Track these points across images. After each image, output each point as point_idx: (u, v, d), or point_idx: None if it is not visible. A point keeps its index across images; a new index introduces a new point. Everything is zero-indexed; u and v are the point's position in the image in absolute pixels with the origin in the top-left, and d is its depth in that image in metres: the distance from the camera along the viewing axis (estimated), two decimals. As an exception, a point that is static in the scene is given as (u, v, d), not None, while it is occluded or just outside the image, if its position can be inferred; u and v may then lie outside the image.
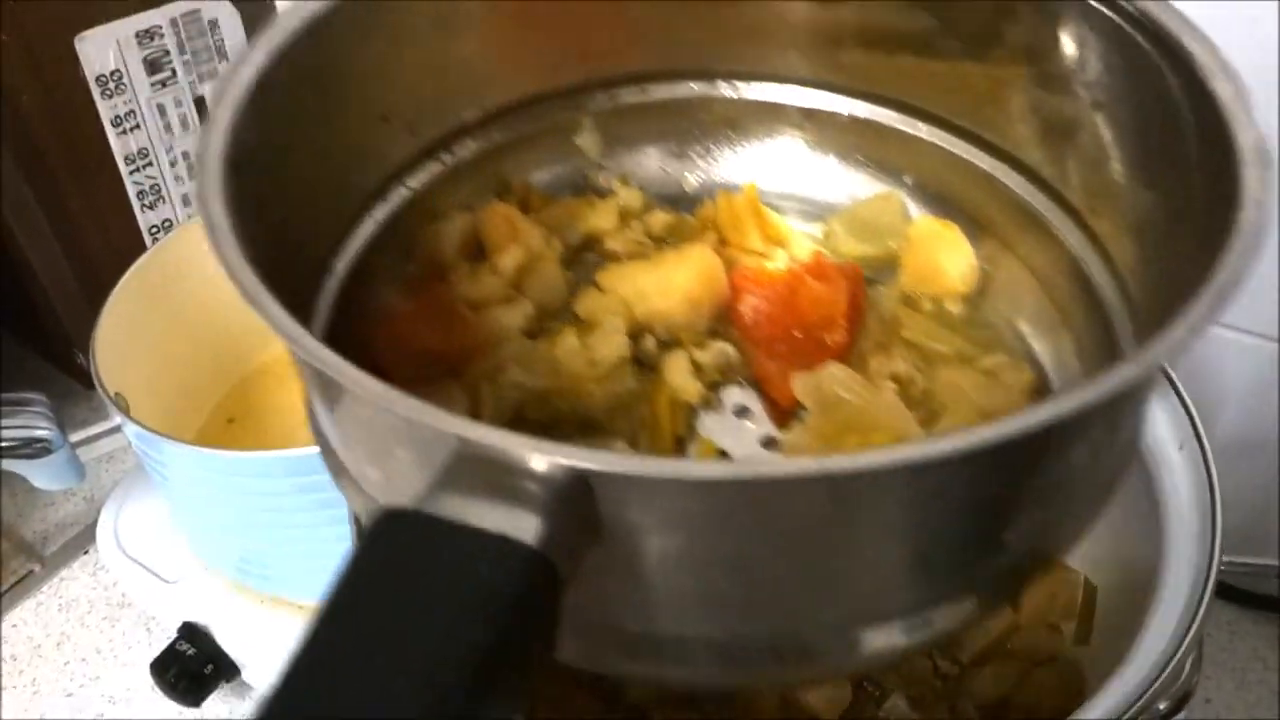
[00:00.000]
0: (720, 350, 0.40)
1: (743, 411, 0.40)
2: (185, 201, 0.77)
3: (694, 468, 0.22)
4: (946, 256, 0.41)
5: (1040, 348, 0.40)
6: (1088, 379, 0.35)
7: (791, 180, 0.46)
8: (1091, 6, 0.33)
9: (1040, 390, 0.38)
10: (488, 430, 0.22)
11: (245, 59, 0.33)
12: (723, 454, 0.38)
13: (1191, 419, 0.43)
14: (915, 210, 0.44)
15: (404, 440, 0.25)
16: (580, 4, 0.42)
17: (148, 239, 0.75)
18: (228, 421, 0.71)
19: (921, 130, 0.43)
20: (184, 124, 0.74)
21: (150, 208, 0.75)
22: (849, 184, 0.45)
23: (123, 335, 0.62)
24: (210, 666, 0.61)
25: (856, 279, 0.41)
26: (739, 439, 0.39)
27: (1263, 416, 0.48)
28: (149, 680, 0.62)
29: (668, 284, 0.40)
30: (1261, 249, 0.25)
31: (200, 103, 0.74)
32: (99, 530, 0.68)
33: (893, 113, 0.43)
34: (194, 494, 0.59)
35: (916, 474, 0.22)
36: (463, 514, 0.22)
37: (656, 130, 0.47)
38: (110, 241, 0.73)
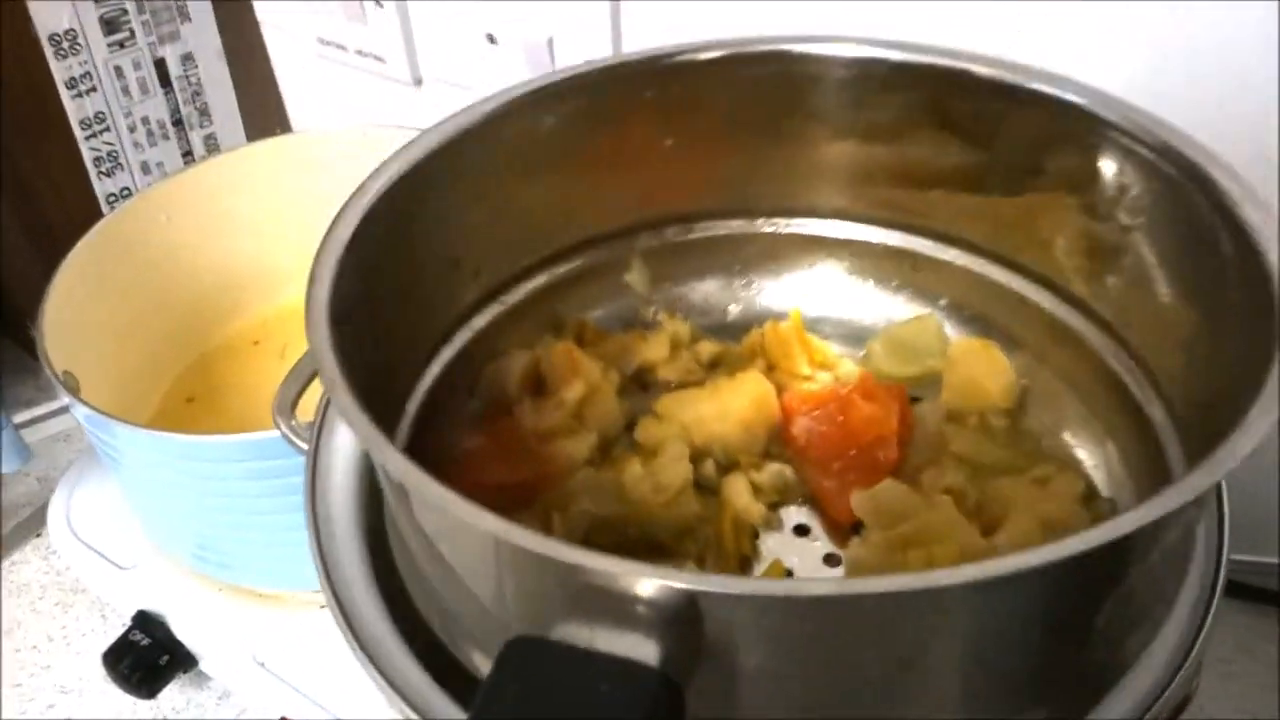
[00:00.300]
0: (777, 471, 0.42)
1: (802, 530, 0.41)
2: (145, 169, 0.73)
3: (802, 586, 0.24)
4: (987, 373, 0.43)
5: (1085, 456, 0.42)
6: (1145, 491, 0.38)
7: (831, 305, 0.49)
8: (1123, 142, 0.35)
9: (1090, 497, 0.39)
10: (608, 560, 0.23)
11: (342, 218, 0.36)
12: (789, 573, 0.39)
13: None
14: (951, 330, 0.47)
15: (527, 571, 0.27)
16: (637, 158, 0.45)
17: (105, 207, 0.72)
18: (187, 400, 0.67)
19: (954, 255, 0.46)
20: (143, 88, 0.71)
21: (108, 175, 0.71)
22: (886, 307, 0.48)
23: (74, 309, 0.59)
24: (166, 657, 0.58)
25: (903, 398, 0.43)
26: (802, 557, 0.40)
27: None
28: (103, 670, 0.59)
29: (724, 410, 0.43)
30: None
31: (161, 65, 0.71)
32: (50, 513, 0.65)
33: (927, 240, 0.46)
34: (148, 478, 0.56)
35: (1012, 584, 0.23)
36: (588, 639, 0.23)
37: (701, 265, 0.50)
38: (65, 210, 0.70)
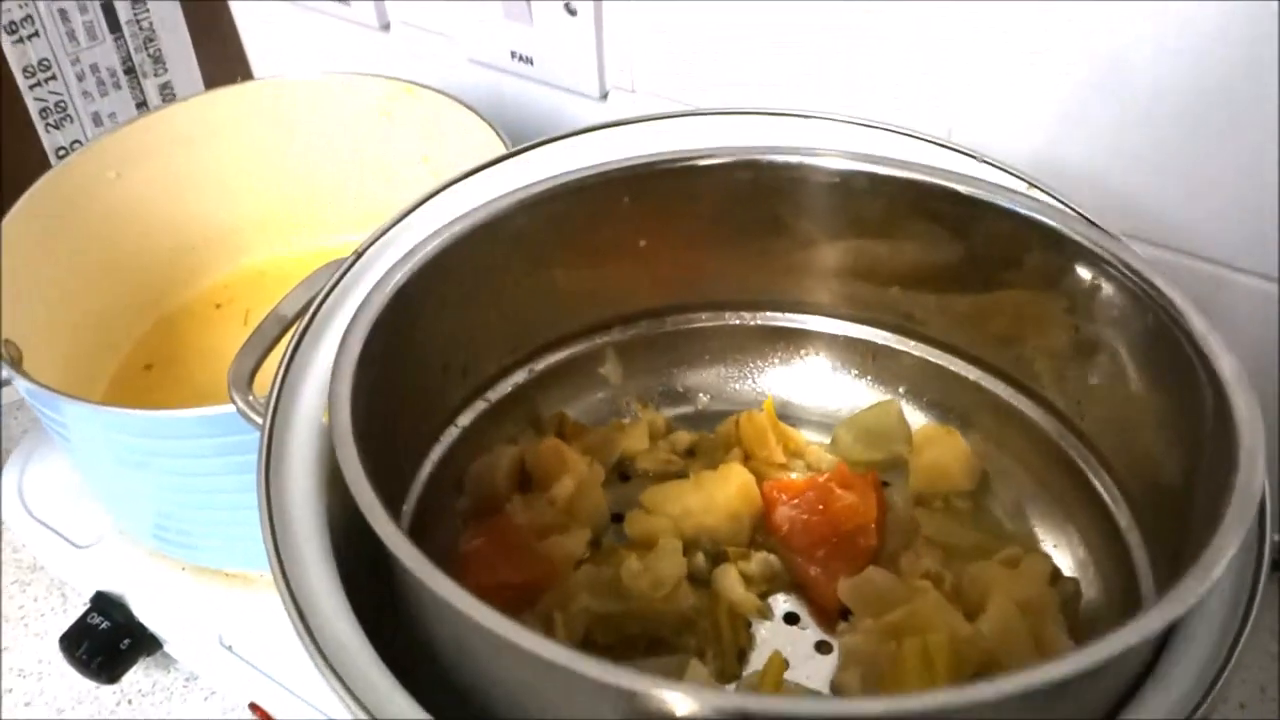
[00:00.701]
0: (764, 560, 0.44)
1: (792, 618, 0.43)
2: (96, 120, 0.69)
3: (846, 705, 0.26)
4: (951, 457, 0.46)
5: (1045, 535, 0.45)
6: (1106, 571, 0.41)
7: (796, 393, 0.51)
8: (1087, 258, 0.39)
9: (1056, 577, 0.42)
10: (662, 682, 0.25)
11: (352, 332, 0.37)
12: (786, 664, 0.41)
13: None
14: (911, 414, 0.50)
15: (586, 693, 0.28)
16: (613, 257, 0.47)
17: (55, 163, 0.66)
18: (145, 367, 0.63)
19: (911, 346, 0.49)
20: (91, 33, 0.66)
21: (56, 127, 0.67)
22: (849, 395, 0.51)
23: (17, 271, 0.55)
24: (127, 640, 0.55)
25: (877, 485, 0.45)
26: (794, 645, 0.42)
27: (1264, 360, 0.49)
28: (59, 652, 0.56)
29: (710, 501, 0.44)
30: (1260, 465, 0.31)
31: (109, 9, 0.67)
32: (2, 489, 0.62)
33: (885, 332, 0.49)
34: (101, 456, 0.53)
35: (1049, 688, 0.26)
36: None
37: (672, 357, 0.52)
38: (11, 164, 0.65)
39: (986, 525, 0.46)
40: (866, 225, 0.45)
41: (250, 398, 0.38)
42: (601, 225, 0.47)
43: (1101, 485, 0.43)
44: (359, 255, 0.43)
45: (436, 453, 0.45)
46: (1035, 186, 0.42)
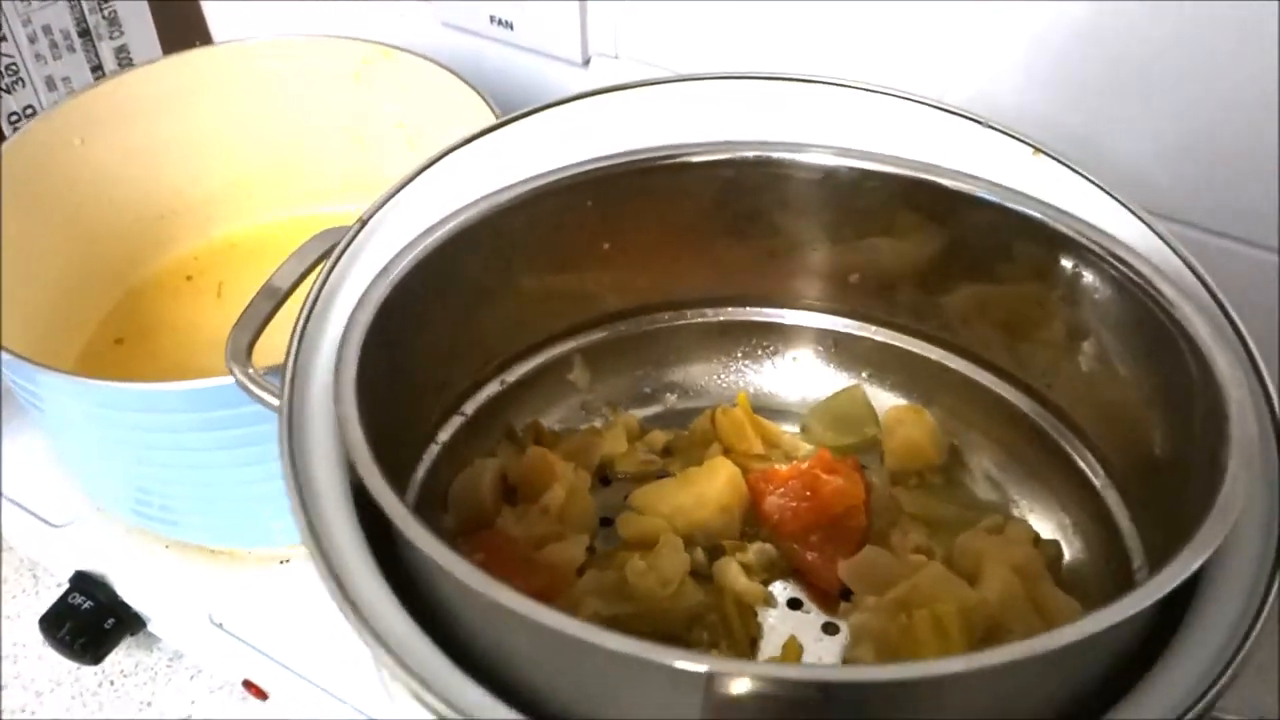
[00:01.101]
0: (760, 549, 0.44)
1: (795, 604, 0.44)
2: (50, 84, 0.67)
3: (929, 667, 0.26)
4: (922, 435, 0.48)
5: (1020, 503, 0.47)
6: (1086, 529, 0.43)
7: (763, 386, 0.52)
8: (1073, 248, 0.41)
9: (1037, 540, 0.44)
10: (755, 665, 0.25)
11: (345, 356, 0.36)
12: (802, 649, 0.41)
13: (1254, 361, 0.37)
14: (876, 395, 0.51)
15: (661, 682, 0.28)
16: (579, 262, 0.47)
17: (7, 129, 0.66)
18: (115, 342, 0.62)
19: (871, 331, 0.51)
20: None
21: (7, 91, 0.65)
22: (814, 383, 0.52)
23: None
24: (111, 620, 0.54)
25: (858, 467, 0.47)
26: (802, 629, 0.43)
27: (1266, 330, 0.48)
28: (39, 635, 0.55)
29: (701, 497, 0.45)
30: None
31: None
32: None
33: (847, 320, 0.51)
34: (80, 430, 0.52)
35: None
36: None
37: (635, 359, 0.52)
38: None
39: (963, 498, 0.47)
40: (843, 219, 0.46)
41: (250, 370, 0.37)
42: (567, 230, 0.47)
43: (1073, 449, 0.45)
44: (361, 226, 0.42)
45: (421, 472, 0.45)
46: (1040, 152, 0.43)
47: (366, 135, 0.67)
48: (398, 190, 0.43)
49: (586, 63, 0.63)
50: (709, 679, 0.26)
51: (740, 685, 0.26)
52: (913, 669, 0.26)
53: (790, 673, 0.27)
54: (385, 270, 0.40)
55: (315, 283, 0.40)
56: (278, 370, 0.37)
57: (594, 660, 0.28)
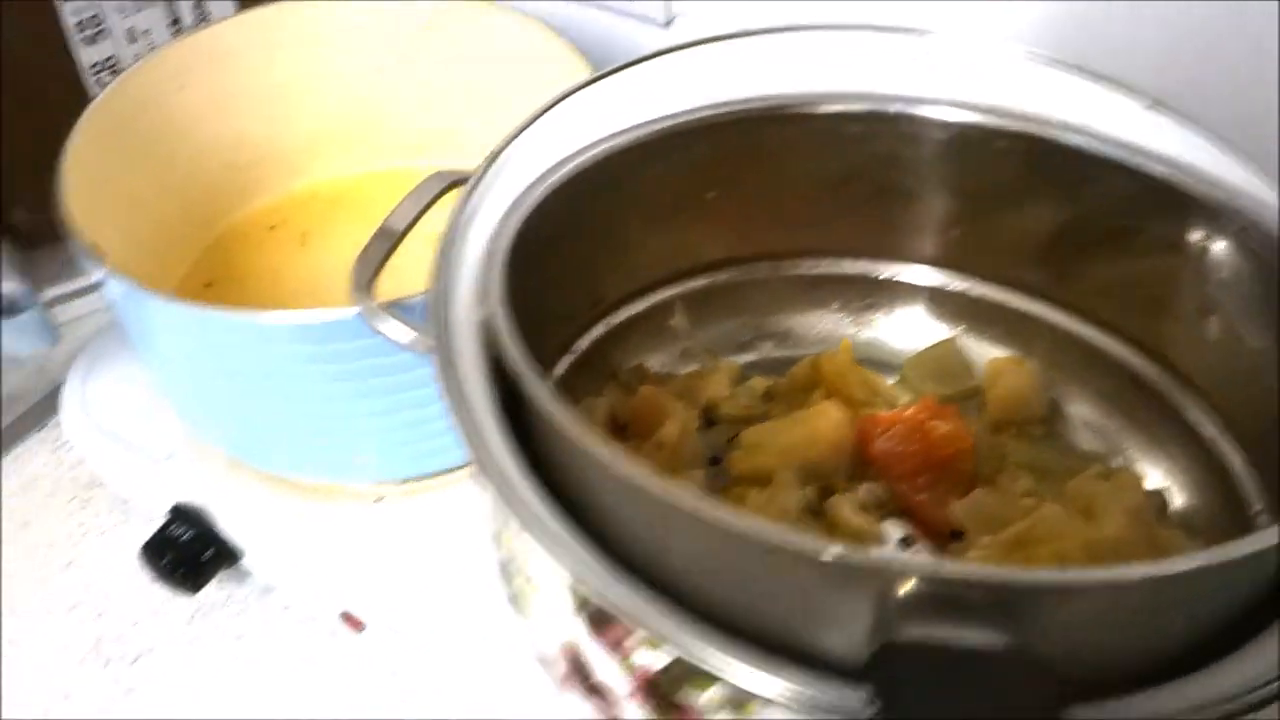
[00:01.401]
0: (870, 489, 0.45)
1: (906, 542, 0.44)
2: (130, 36, 0.68)
3: (1120, 573, 0.27)
4: (1026, 386, 0.48)
5: (1125, 450, 0.47)
6: (1198, 479, 0.43)
7: (859, 336, 0.53)
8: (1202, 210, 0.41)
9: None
10: (952, 565, 0.26)
11: (494, 262, 0.36)
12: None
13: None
14: (973, 348, 0.51)
15: (864, 587, 0.28)
16: (682, 210, 0.48)
17: (89, 78, 0.67)
18: (205, 285, 0.63)
19: (970, 285, 0.51)
20: None
21: (91, 42, 0.66)
22: (911, 335, 0.52)
23: (91, 178, 0.54)
24: (210, 551, 0.56)
25: (960, 414, 0.47)
26: (915, 566, 0.43)
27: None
28: (130, 565, 0.56)
29: (812, 436, 0.45)
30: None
31: None
32: (64, 402, 0.60)
33: (950, 273, 0.51)
34: (185, 362, 0.52)
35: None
36: (941, 636, 0.25)
37: (732, 308, 0.52)
38: (45, 80, 0.65)
39: (1064, 447, 0.48)
40: (963, 176, 0.47)
41: (373, 303, 0.38)
42: (675, 177, 0.47)
43: (1179, 399, 0.45)
44: (490, 163, 0.42)
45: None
46: (1159, 104, 0.43)
47: (440, 89, 0.68)
48: (520, 132, 0.44)
49: (669, 23, 0.63)
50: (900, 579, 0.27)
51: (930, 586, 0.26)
52: (1109, 574, 0.27)
53: (933, 567, 0.27)
54: (517, 202, 0.41)
55: (453, 212, 0.40)
56: (398, 304, 0.39)
57: (773, 562, 0.29)
